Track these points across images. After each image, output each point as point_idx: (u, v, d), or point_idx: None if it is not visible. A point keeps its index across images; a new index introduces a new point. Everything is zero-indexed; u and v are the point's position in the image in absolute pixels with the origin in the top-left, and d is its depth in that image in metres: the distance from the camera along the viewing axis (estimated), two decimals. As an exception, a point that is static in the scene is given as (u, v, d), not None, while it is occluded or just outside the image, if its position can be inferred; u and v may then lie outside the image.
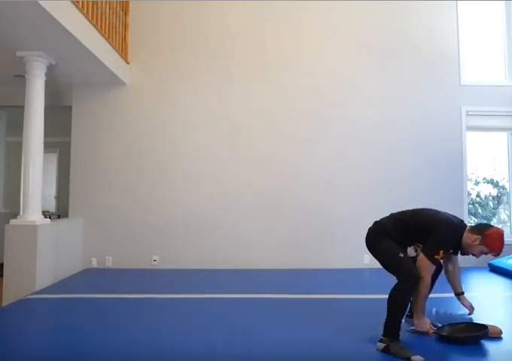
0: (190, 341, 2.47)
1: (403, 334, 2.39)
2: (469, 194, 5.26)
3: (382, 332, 2.30)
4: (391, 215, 2.64)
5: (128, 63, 5.00)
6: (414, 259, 2.44)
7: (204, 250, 4.87)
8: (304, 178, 4.96)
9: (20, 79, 4.28)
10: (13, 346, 2.44)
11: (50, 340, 2.57)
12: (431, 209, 2.62)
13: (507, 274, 4.34)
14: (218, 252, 4.86)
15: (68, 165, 5.05)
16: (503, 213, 5.50)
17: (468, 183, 5.19)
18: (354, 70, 5.10)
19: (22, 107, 3.95)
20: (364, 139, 5.02)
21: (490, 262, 4.70)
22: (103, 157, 4.97)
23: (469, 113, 5.10)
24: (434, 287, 2.65)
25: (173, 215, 4.91)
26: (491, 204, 5.52)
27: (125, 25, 4.95)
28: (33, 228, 3.76)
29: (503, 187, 5.46)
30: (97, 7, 4.09)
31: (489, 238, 2.36)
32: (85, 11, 3.75)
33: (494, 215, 5.52)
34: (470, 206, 5.34)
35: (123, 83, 4.97)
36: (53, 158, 7.22)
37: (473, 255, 2.45)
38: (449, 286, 2.85)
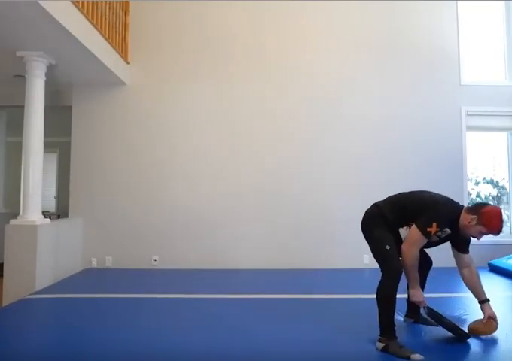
0: (190, 341, 2.47)
1: (403, 334, 2.39)
2: (469, 194, 5.26)
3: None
4: (389, 198, 2.63)
5: (128, 63, 5.00)
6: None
7: (204, 250, 4.87)
8: (304, 178, 4.96)
9: (20, 79, 4.28)
10: (13, 346, 2.44)
11: (50, 340, 2.57)
12: (428, 191, 2.62)
13: (507, 274, 4.34)
14: (218, 252, 4.86)
15: (68, 165, 5.05)
16: (503, 214, 5.49)
17: (468, 183, 5.19)
18: (354, 70, 5.10)
19: (23, 107, 3.95)
20: (364, 139, 5.02)
21: (490, 262, 4.70)
22: (103, 157, 4.97)
23: (469, 113, 5.10)
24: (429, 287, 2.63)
25: (173, 215, 4.91)
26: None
27: (125, 25, 4.95)
28: (33, 228, 3.76)
29: (503, 187, 5.46)
30: (97, 7, 4.09)
31: (486, 217, 2.27)
32: (85, 11, 3.75)
33: (494, 215, 5.51)
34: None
35: (123, 83, 4.97)
36: (53, 158, 7.22)
37: (473, 237, 2.37)
38: (442, 286, 2.80)
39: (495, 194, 5.50)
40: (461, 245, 2.50)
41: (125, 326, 2.75)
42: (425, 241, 2.31)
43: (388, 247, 2.36)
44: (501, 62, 5.35)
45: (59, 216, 6.75)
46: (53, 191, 7.29)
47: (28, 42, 3.65)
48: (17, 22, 3.23)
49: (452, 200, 2.52)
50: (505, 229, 5.38)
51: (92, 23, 3.91)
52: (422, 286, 2.54)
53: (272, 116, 5.04)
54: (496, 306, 3.35)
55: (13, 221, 3.82)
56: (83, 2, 3.72)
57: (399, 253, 2.36)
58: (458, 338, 2.42)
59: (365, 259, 4.79)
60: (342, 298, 3.47)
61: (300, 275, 4.44)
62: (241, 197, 4.94)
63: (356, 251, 4.84)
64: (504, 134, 5.37)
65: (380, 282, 2.33)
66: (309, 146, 5.00)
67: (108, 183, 4.94)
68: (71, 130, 4.99)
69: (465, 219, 2.34)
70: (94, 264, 4.85)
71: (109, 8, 4.44)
